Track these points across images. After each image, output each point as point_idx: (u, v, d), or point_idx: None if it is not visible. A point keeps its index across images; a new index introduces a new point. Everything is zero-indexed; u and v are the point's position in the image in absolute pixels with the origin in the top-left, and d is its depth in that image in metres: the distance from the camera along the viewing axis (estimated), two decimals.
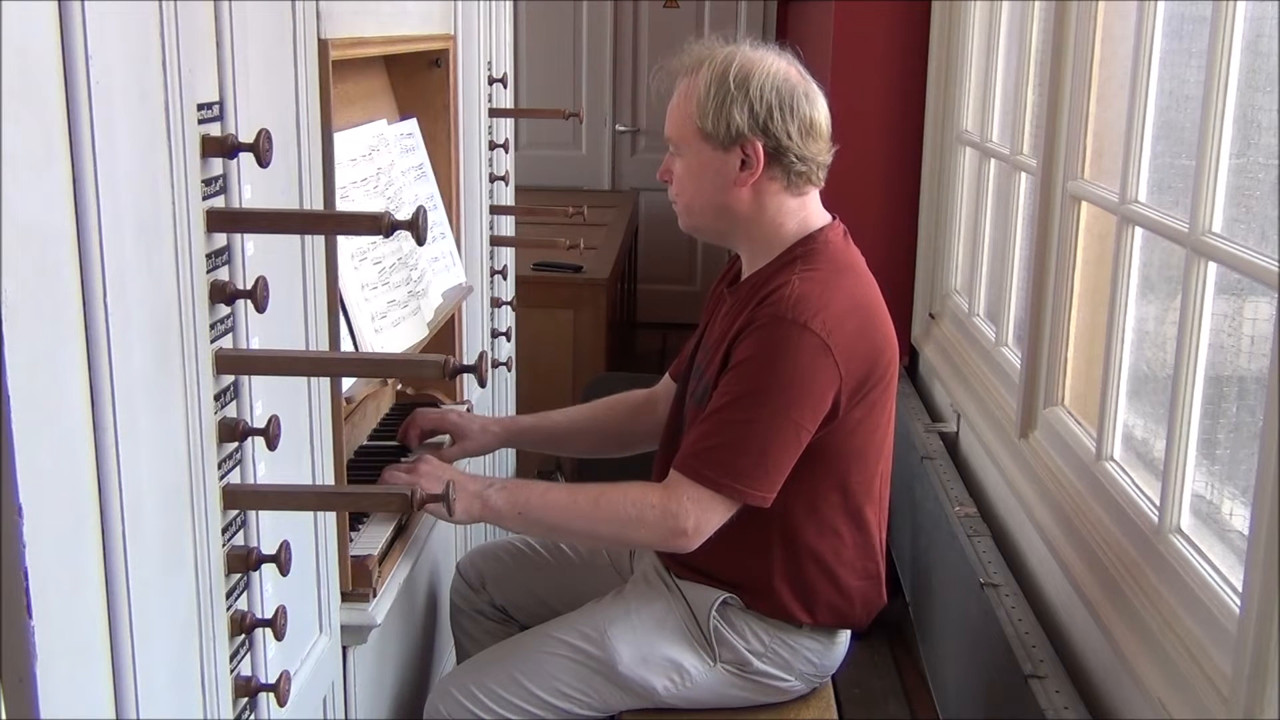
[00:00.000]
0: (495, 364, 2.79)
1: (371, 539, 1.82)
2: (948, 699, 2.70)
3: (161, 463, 1.12)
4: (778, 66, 1.88)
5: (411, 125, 2.28)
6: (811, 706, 2.06)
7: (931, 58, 3.76)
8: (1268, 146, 1.75)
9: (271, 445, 1.32)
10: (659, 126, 1.96)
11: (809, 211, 1.95)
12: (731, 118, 1.84)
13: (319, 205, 1.55)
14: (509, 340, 2.95)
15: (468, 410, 2.36)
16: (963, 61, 3.60)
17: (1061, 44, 2.56)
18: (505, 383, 3.00)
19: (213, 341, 1.24)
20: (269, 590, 1.39)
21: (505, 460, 3.00)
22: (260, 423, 1.32)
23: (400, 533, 1.91)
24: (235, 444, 1.30)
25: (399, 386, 2.44)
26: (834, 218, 1.99)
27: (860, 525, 1.98)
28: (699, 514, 1.82)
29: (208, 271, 1.22)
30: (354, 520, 1.83)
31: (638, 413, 2.28)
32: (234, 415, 1.30)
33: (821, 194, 1.98)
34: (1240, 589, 1.61)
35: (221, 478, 1.27)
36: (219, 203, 1.24)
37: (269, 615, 1.35)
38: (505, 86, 2.83)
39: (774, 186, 1.90)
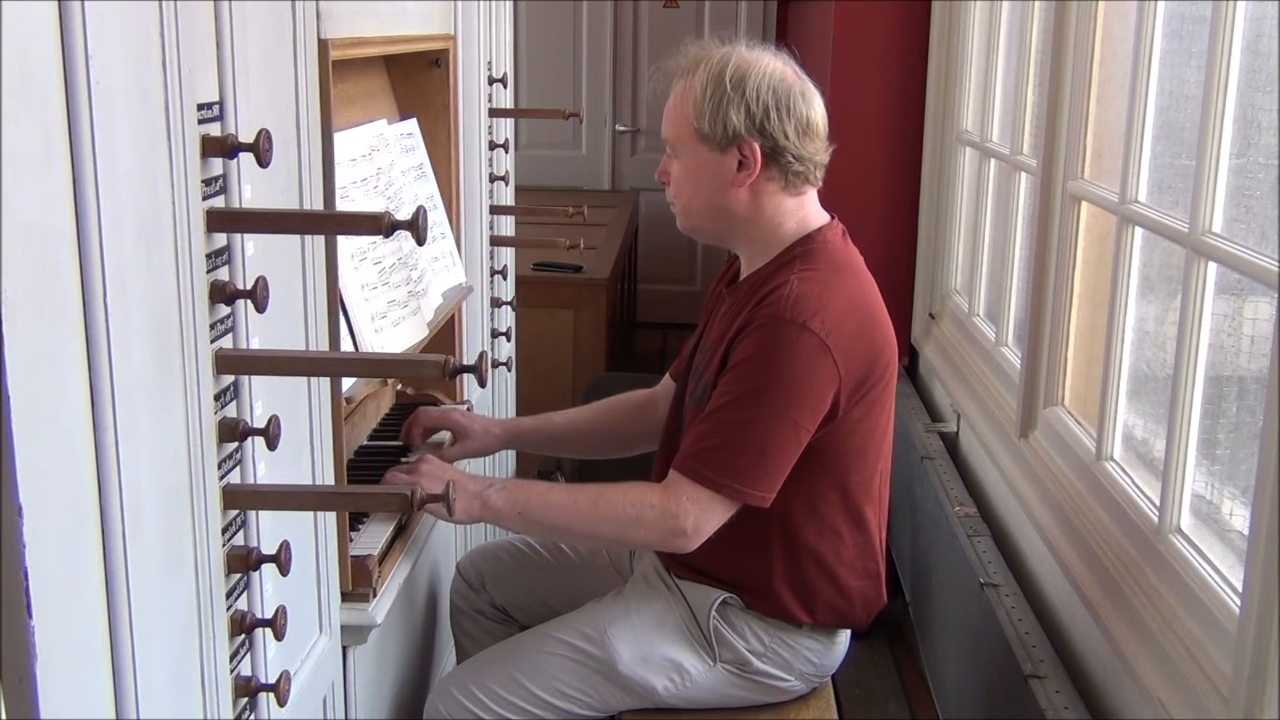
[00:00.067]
0: (495, 364, 2.79)
1: (371, 539, 1.82)
2: (948, 699, 2.70)
3: (161, 463, 1.12)
4: (774, 67, 1.88)
5: (411, 125, 2.28)
6: (811, 706, 2.06)
7: (931, 58, 3.76)
8: (1268, 146, 1.75)
9: (271, 445, 1.32)
10: (658, 127, 1.96)
11: (807, 211, 1.95)
12: (728, 118, 1.84)
13: (319, 205, 1.55)
14: (509, 340, 2.95)
15: (469, 410, 2.36)
16: (963, 61, 3.60)
17: (1061, 44, 2.56)
18: (505, 383, 3.00)
19: (213, 341, 1.24)
20: (269, 590, 1.39)
21: (505, 461, 3.00)
22: (260, 423, 1.32)
23: (400, 533, 1.91)
24: (235, 444, 1.30)
25: (399, 386, 2.44)
26: (833, 217, 1.99)
27: (860, 525, 1.98)
28: (698, 514, 1.82)
29: (208, 271, 1.22)
30: (354, 520, 1.83)
31: (638, 413, 2.28)
32: (234, 415, 1.30)
33: (821, 194, 1.98)
34: (1240, 589, 1.61)
35: (221, 478, 1.27)
36: (219, 203, 1.24)
37: (269, 615, 1.35)
38: (505, 86, 2.83)
39: (772, 187, 1.90)
